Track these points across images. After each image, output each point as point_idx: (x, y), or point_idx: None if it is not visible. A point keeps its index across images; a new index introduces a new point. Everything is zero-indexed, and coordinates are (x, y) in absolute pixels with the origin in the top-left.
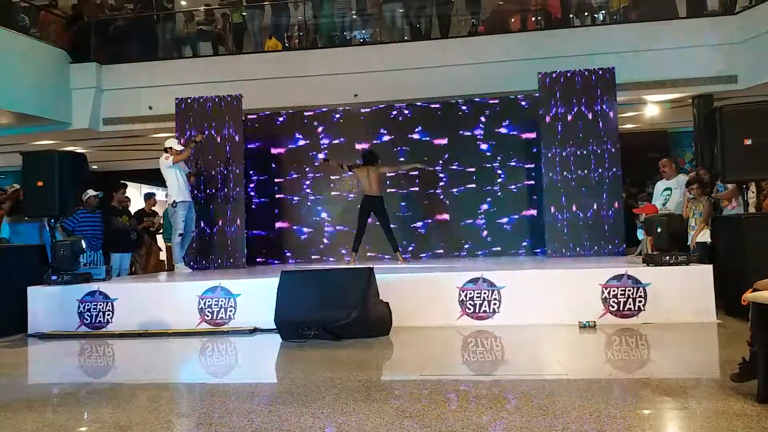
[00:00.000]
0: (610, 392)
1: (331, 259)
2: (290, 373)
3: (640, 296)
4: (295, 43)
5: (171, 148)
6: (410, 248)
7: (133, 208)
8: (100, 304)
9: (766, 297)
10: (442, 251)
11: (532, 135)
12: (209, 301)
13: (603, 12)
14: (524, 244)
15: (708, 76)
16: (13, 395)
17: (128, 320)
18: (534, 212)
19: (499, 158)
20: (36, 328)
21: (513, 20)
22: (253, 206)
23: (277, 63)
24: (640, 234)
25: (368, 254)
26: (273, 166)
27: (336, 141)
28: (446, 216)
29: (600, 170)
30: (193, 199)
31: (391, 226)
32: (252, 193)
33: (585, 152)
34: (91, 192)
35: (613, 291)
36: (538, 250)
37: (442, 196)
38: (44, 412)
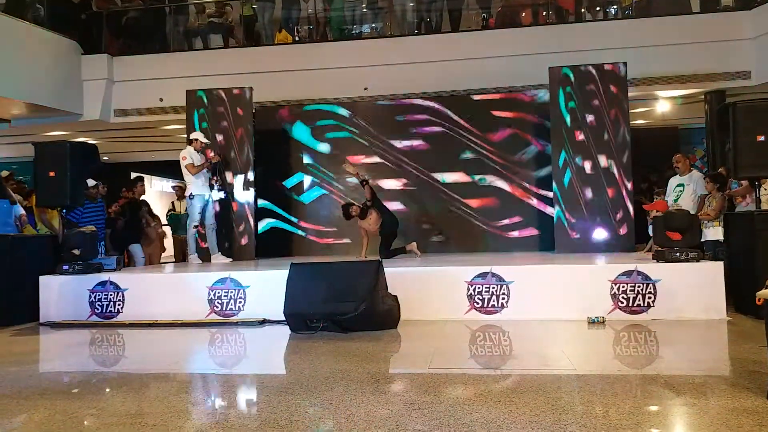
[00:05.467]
0: (618, 388)
1: (339, 252)
2: (299, 364)
3: (650, 292)
4: (305, 36)
5: (196, 140)
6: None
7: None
8: (111, 294)
9: None
10: (451, 245)
11: (543, 130)
12: (219, 293)
13: (615, 6)
14: (533, 238)
15: (721, 71)
16: (25, 383)
17: (138, 310)
18: (544, 207)
19: (508, 152)
20: (47, 317)
21: (524, 14)
22: (262, 198)
23: (288, 56)
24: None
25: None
26: (283, 158)
27: (344, 136)
28: (453, 210)
29: (610, 166)
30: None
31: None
32: (261, 186)
33: (596, 148)
34: (89, 182)
35: (623, 287)
36: (548, 245)
37: (449, 191)
38: (55, 400)
